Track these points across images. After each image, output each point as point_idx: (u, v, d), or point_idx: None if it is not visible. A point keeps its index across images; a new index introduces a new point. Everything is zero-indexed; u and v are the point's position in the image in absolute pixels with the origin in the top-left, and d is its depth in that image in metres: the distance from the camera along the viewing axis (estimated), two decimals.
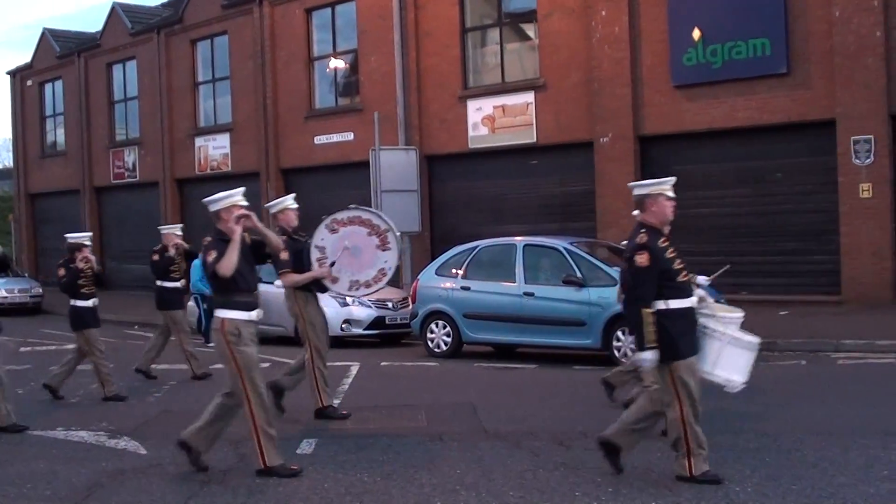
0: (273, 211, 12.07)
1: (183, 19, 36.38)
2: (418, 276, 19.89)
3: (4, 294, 32.45)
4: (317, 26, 32.09)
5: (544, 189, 26.39)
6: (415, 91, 28.42)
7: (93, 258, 14.36)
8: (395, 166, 25.79)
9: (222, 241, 8.85)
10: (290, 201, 11.99)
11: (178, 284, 16.56)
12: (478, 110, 27.46)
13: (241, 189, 9.21)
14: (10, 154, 53.83)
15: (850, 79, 21.53)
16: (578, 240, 18.86)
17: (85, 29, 45.91)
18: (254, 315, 8.96)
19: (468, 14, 28.11)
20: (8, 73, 46.80)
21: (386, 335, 20.99)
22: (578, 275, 16.91)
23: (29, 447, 10.82)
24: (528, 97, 26.49)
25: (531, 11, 26.86)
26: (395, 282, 25.34)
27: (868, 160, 21.44)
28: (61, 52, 42.90)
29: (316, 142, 31.37)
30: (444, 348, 18.35)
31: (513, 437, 10.55)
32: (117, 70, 40.53)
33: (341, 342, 19.66)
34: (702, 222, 23.65)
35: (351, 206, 12.25)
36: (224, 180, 34.11)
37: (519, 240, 18.46)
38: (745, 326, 9.19)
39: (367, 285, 11.90)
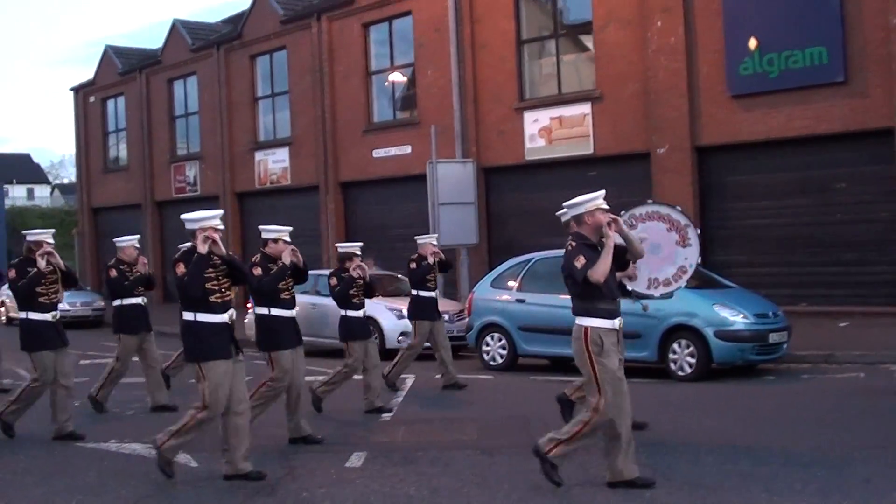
0: (565, 219, 11.78)
1: (242, 35, 36.83)
2: (474, 289, 20.01)
3: (67, 307, 32.89)
4: (374, 41, 32.39)
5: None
6: (471, 103, 28.58)
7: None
8: (452, 179, 25.97)
9: (587, 246, 8.68)
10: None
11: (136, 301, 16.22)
12: (534, 122, 27.58)
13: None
14: (75, 169, 54.71)
15: None
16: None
17: (146, 46, 46.66)
18: (616, 323, 8.69)
19: (524, 26, 28.25)
20: (71, 89, 47.55)
21: None
22: None
23: (80, 459, 10.91)
24: (585, 108, 26.56)
25: (587, 23, 26.95)
26: (451, 294, 25.63)
27: None
28: (123, 68, 43.58)
29: (374, 155, 31.63)
30: (500, 361, 18.46)
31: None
32: (178, 86, 41.12)
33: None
34: (759, 233, 23.60)
35: (649, 200, 12.02)
36: (284, 194, 34.62)
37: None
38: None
39: (667, 283, 11.66)
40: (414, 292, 16.29)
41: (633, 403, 8.84)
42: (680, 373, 16.37)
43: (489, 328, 18.76)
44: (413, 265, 16.33)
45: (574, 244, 8.66)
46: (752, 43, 23.28)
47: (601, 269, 8.43)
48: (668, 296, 12.27)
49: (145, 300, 14.68)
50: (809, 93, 22.65)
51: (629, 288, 11.37)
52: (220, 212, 9.66)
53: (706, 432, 11.56)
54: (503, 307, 18.53)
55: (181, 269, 9.23)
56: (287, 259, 11.02)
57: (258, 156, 36.37)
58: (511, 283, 18.60)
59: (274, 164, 35.68)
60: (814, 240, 22.94)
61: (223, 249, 9.37)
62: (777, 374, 16.68)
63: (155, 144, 41.89)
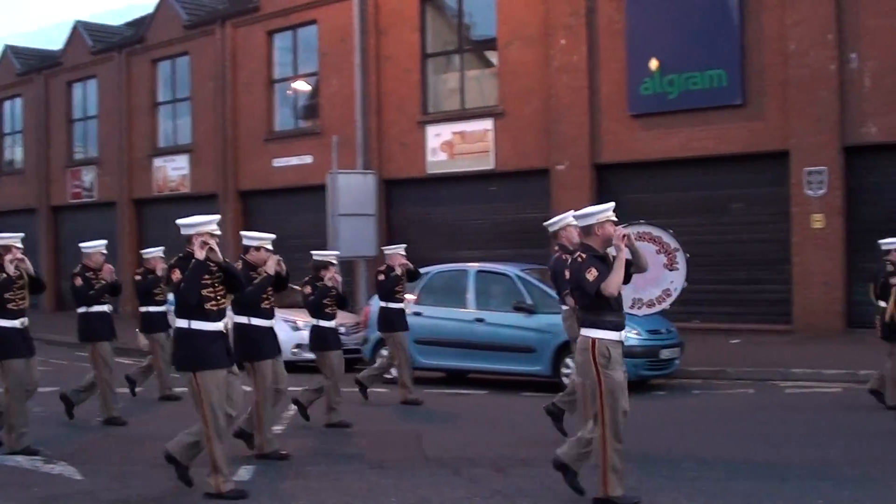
0: (553, 230, 11.65)
1: (145, 39, 36.19)
2: (371, 301, 19.79)
3: None
4: (278, 49, 32.03)
5: (501, 215, 26.39)
6: (374, 115, 28.37)
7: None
8: (353, 190, 25.68)
9: (597, 258, 8.47)
10: (570, 219, 11.33)
11: (162, 308, 16.27)
12: (437, 136, 27.49)
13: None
14: None
15: (803, 111, 21.75)
16: (530, 266, 18.75)
17: (47, 47, 45.45)
18: (622, 335, 8.60)
19: (429, 39, 28.18)
20: None
21: None
22: (529, 301, 16.96)
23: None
24: (487, 124, 26.55)
25: (492, 39, 26.96)
26: (350, 306, 25.34)
27: (821, 191, 21.63)
28: (22, 69, 42.47)
29: (275, 164, 31.25)
30: (395, 374, 18.22)
31: (453, 464, 10.48)
32: (77, 88, 40.23)
33: (293, 367, 19.43)
34: None
35: (641, 220, 11.85)
36: (182, 201, 33.98)
37: (471, 266, 18.45)
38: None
39: (650, 304, 11.53)
40: (383, 304, 15.91)
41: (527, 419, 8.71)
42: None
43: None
44: (381, 277, 15.95)
45: (584, 256, 8.52)
46: (653, 64, 23.51)
47: (614, 283, 8.33)
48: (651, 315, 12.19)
49: (111, 308, 14.31)
50: (708, 114, 22.94)
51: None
52: (217, 217, 9.37)
53: None
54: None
55: (177, 275, 8.95)
56: (272, 269, 10.69)
57: (157, 162, 35.72)
58: (409, 296, 18.40)
59: (173, 171, 35.07)
60: (708, 258, 22.94)
61: (220, 256, 9.12)
62: (669, 390, 16.73)
63: (52, 148, 40.89)
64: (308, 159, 30.13)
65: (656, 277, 11.34)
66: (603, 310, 8.44)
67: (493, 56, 27.38)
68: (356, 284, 26.09)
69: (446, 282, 18.37)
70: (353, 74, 28.40)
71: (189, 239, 9.04)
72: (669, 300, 11.53)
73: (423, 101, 28.02)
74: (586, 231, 8.68)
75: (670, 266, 11.37)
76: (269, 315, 11.14)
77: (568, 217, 11.42)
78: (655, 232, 11.59)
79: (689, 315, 22.07)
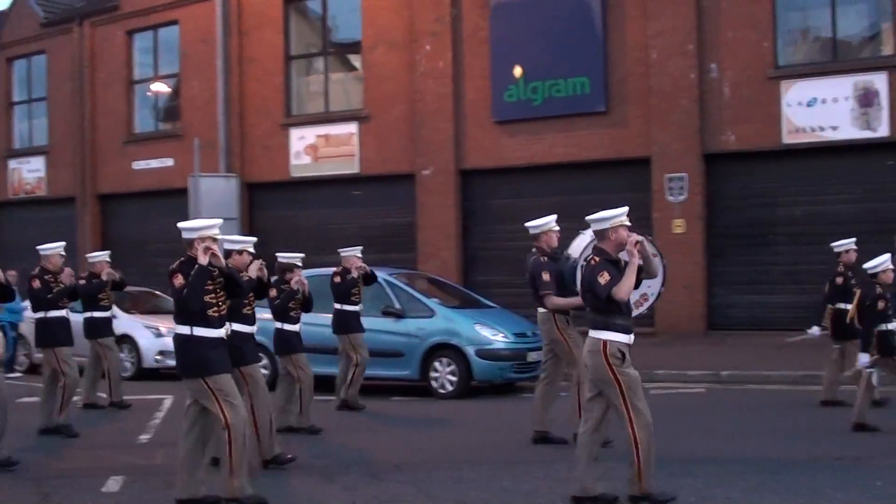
0: (535, 232, 11.61)
1: None
2: None
3: None
4: (138, 49, 30.97)
5: (366, 220, 26.01)
6: (237, 117, 27.69)
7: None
8: (215, 193, 25.00)
9: (610, 262, 8.45)
10: (553, 223, 11.59)
11: (107, 314, 15.54)
12: (301, 139, 26.95)
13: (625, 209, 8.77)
14: None
15: (665, 119, 22.01)
16: (398, 271, 18.58)
17: None
18: (632, 338, 8.55)
19: (293, 41, 27.60)
20: None
21: None
22: (397, 306, 16.76)
23: None
24: (352, 128, 26.14)
25: (356, 42, 26.56)
26: None
27: (681, 197, 21.90)
28: None
29: (135, 167, 30.20)
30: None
31: (326, 471, 10.28)
32: None
33: (156, 374, 18.96)
34: (520, 255, 22.96)
35: None
36: (39, 205, 32.80)
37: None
38: None
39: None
40: (338, 306, 15.40)
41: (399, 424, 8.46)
42: (441, 391, 16.21)
43: None
44: (337, 279, 15.43)
45: (598, 259, 8.48)
46: (518, 71, 23.44)
47: (626, 287, 8.33)
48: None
49: (69, 312, 13.67)
50: (571, 121, 23.01)
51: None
52: (219, 221, 9.06)
53: (469, 450, 11.43)
54: (262, 326, 17.80)
55: (179, 280, 8.55)
56: (254, 273, 10.13)
57: (12, 164, 34.22)
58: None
59: (29, 173, 33.66)
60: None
61: (223, 261, 8.81)
62: (534, 392, 16.64)
63: None
64: (169, 162, 29.25)
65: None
66: (613, 313, 8.43)
67: (357, 60, 27.00)
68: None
69: (313, 287, 17.78)
70: (216, 76, 27.70)
71: (190, 243, 8.71)
72: (647, 304, 11.45)
73: (287, 103, 27.42)
74: (600, 235, 8.67)
75: None
76: (251, 321, 10.65)
77: (551, 222, 11.58)
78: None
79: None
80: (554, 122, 23.21)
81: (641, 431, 8.36)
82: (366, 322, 16.54)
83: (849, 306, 13.00)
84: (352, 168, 26.12)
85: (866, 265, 12.40)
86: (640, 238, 8.54)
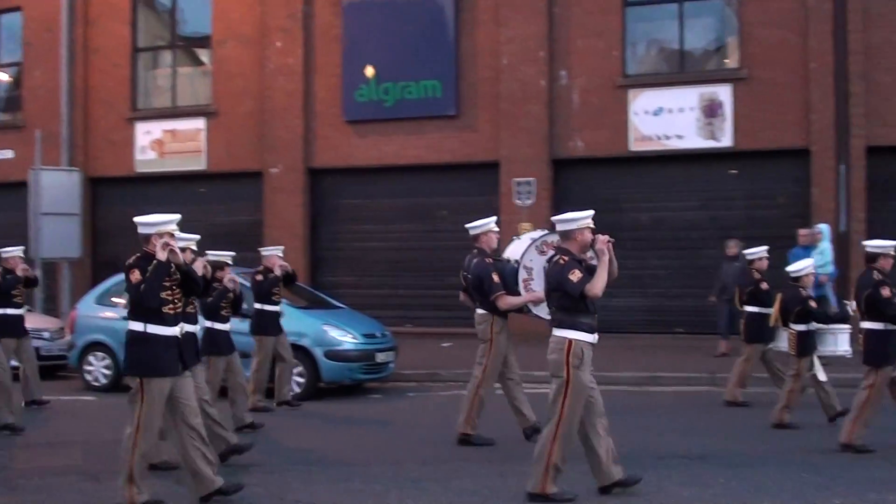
0: (475, 232, 11.65)
1: None
2: (76, 306, 18.52)
3: None
4: None
5: (213, 218, 25.05)
6: (81, 110, 26.51)
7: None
8: (56, 188, 23.87)
9: (577, 261, 8.69)
10: (492, 224, 11.71)
11: (20, 311, 14.57)
12: (147, 133, 25.96)
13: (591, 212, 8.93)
14: None
15: (514, 124, 21.97)
16: (244, 270, 18.09)
17: None
18: (596, 338, 8.73)
19: (141, 33, 26.56)
20: None
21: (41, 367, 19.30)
22: (244, 306, 16.13)
23: None
24: (200, 123, 25.31)
25: (206, 37, 25.70)
26: (52, 310, 23.76)
27: (529, 201, 21.89)
28: None
29: None
30: (104, 382, 17.10)
31: (174, 473, 9.78)
32: None
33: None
34: (369, 255, 23.43)
35: None
36: None
37: None
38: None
39: None
40: (258, 306, 14.89)
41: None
42: (290, 392, 15.75)
43: (93, 347, 17.28)
44: (259, 277, 15.03)
45: (566, 259, 8.67)
46: (370, 71, 23.06)
47: (599, 285, 8.49)
48: None
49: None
50: (422, 123, 22.78)
51: (533, 311, 11.24)
52: (177, 216, 8.81)
53: (319, 451, 11.40)
54: (108, 325, 17.14)
55: (136, 275, 8.36)
56: (199, 271, 9.54)
57: None
58: (116, 301, 17.28)
59: None
60: (420, 264, 23.02)
61: (181, 258, 8.55)
62: (384, 393, 16.76)
63: None
64: (9, 154, 27.81)
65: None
66: (580, 312, 8.61)
67: (205, 54, 26.19)
68: (59, 288, 24.54)
69: None
70: (59, 66, 26.57)
71: (147, 238, 8.56)
72: None
73: (133, 96, 26.35)
74: (565, 235, 8.87)
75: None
76: (195, 320, 10.20)
77: (490, 222, 11.73)
78: None
79: (403, 319, 22.08)
80: (405, 124, 22.93)
81: (564, 432, 8.59)
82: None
83: (766, 311, 13.61)
84: (198, 164, 25.27)
85: (789, 269, 12.75)
86: (610, 238, 8.68)
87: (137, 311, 8.50)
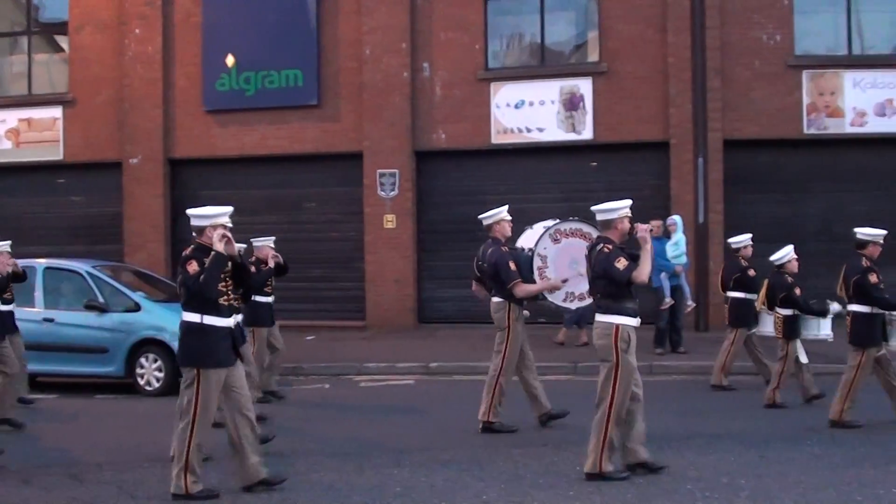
0: (488, 222, 11.55)
1: None
2: None
3: None
4: None
5: (71, 209, 23.93)
6: None
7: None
8: None
9: (621, 249, 8.91)
10: (505, 213, 11.59)
11: (10, 307, 13.34)
12: (1, 122, 24.58)
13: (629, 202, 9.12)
14: None
15: (377, 115, 21.44)
16: (102, 263, 17.44)
17: None
18: (639, 322, 8.94)
19: None
20: None
21: None
22: (101, 300, 15.70)
23: None
24: (56, 112, 23.93)
25: (63, 23, 24.35)
26: None
27: (392, 193, 21.44)
28: None
29: None
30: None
31: (24, 472, 9.73)
32: None
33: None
34: None
35: (573, 217, 11.80)
36: None
37: (39, 262, 16.58)
38: None
39: (581, 298, 11.38)
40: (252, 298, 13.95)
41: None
42: (148, 387, 15.33)
43: None
44: (251, 269, 13.94)
45: (610, 247, 8.88)
46: (230, 60, 22.17)
47: (645, 272, 8.74)
48: (583, 308, 12.08)
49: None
50: (284, 113, 22.06)
51: (549, 299, 11.27)
52: (230, 208, 8.75)
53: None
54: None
55: (194, 267, 8.28)
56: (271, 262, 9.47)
57: None
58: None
59: None
60: (283, 255, 22.13)
61: (235, 249, 8.46)
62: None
63: None
64: None
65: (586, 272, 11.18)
66: (625, 298, 8.84)
67: (63, 41, 24.89)
68: None
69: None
70: None
71: (201, 230, 8.50)
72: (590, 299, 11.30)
73: None
74: (605, 224, 9.07)
75: None
76: (238, 311, 9.62)
77: (503, 211, 11.61)
78: (586, 229, 11.47)
79: None
80: (266, 114, 22.11)
81: (617, 414, 8.77)
82: (67, 316, 15.91)
83: (750, 296, 13.99)
84: (55, 154, 23.88)
85: (773, 257, 13.00)
86: (651, 226, 9.06)
87: (193, 302, 8.39)
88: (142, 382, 15.37)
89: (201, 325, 8.37)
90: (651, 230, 8.98)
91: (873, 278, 11.09)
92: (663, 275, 17.08)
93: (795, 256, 12.99)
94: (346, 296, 22.04)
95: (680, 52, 20.51)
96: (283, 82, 21.97)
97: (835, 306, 12.63)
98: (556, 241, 11.28)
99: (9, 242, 13.74)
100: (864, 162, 20.77)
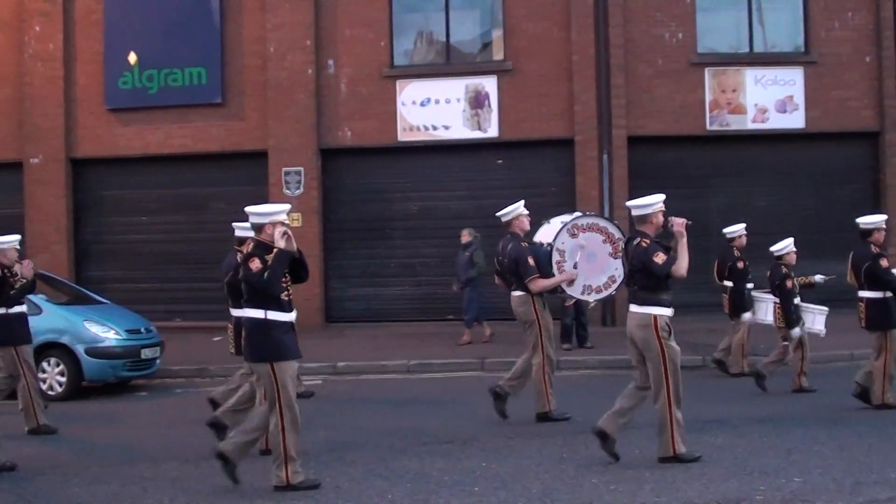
0: (507, 219, 11.64)
1: None
2: None
3: None
4: None
5: None
6: None
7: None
8: None
9: (658, 244, 9.05)
10: (522, 208, 11.70)
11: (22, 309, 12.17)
12: None
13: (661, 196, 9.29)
14: None
15: (282, 113, 20.97)
16: None
17: None
18: (672, 311, 9.10)
19: None
20: None
21: None
22: None
23: None
24: None
25: None
26: None
27: (298, 191, 21.01)
28: None
29: None
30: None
31: None
32: None
33: None
34: (136, 248, 21.80)
35: (589, 212, 12.24)
36: None
37: None
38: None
39: (598, 290, 11.55)
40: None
41: None
42: (50, 392, 14.66)
43: None
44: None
45: (648, 241, 9.03)
46: (133, 58, 21.45)
47: (684, 265, 8.95)
48: (599, 301, 12.16)
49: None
50: (188, 111, 21.46)
51: (567, 292, 11.40)
52: (288, 206, 8.86)
53: (81, 453, 10.77)
54: None
55: (257, 264, 8.32)
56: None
57: None
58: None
59: None
60: (188, 256, 21.63)
61: (294, 245, 8.48)
62: (150, 390, 15.88)
63: None
64: None
65: (603, 265, 11.55)
66: (662, 290, 9.03)
67: None
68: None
69: None
70: None
71: (260, 228, 8.53)
72: (615, 286, 11.60)
73: None
74: (641, 219, 9.21)
75: (615, 255, 11.52)
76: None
77: (520, 206, 11.71)
78: (602, 223, 11.68)
79: (172, 314, 20.89)
80: (170, 112, 21.43)
81: (675, 398, 8.90)
82: None
83: (746, 286, 14.30)
84: None
85: (773, 248, 13.27)
86: (686, 221, 9.09)
87: (256, 298, 8.42)
88: (44, 387, 14.66)
89: (266, 321, 8.41)
90: (687, 224, 9.10)
91: (884, 263, 11.51)
92: None
93: (794, 249, 13.23)
94: None
95: (584, 49, 20.43)
96: (186, 80, 21.35)
97: (818, 277, 13.54)
98: (573, 235, 11.44)
99: (18, 238, 12.75)
100: (766, 157, 20.92)
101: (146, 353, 15.64)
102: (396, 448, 10.14)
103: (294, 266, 8.62)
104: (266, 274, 8.28)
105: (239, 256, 9.46)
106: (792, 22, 21.27)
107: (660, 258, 8.89)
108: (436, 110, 20.83)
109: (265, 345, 8.47)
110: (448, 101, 20.80)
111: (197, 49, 21.32)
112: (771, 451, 9.48)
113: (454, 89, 20.82)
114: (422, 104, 20.85)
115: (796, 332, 12.89)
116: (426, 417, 11.61)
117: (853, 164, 21.08)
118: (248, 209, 8.75)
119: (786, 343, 13.12)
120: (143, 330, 15.96)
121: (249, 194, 21.11)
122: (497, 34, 21.35)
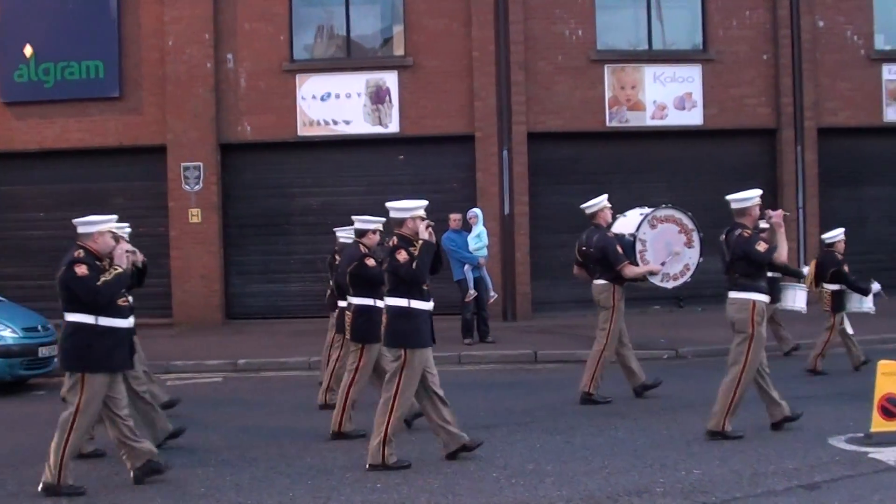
0: (591, 211, 11.97)
1: None
2: None
3: None
4: None
5: None
6: None
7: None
8: None
9: (759, 234, 9.63)
10: (606, 201, 12.04)
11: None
12: None
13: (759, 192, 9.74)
14: None
15: (181, 107, 20.29)
16: None
17: None
18: (769, 298, 9.72)
19: None
20: None
21: None
22: None
23: None
24: None
25: None
26: None
27: (197, 187, 20.39)
28: None
29: None
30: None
31: None
32: None
33: None
34: (32, 245, 20.83)
35: (666, 204, 12.56)
36: None
37: None
38: None
39: (675, 278, 12.28)
40: None
41: None
42: None
43: None
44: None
45: (749, 232, 9.51)
46: (28, 50, 20.55)
47: (785, 253, 9.59)
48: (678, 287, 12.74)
49: None
50: (85, 105, 20.66)
51: (650, 280, 12.04)
52: (425, 202, 9.09)
53: None
54: None
55: (403, 255, 8.67)
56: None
57: None
58: None
59: None
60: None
61: (434, 237, 8.85)
62: (48, 389, 15.13)
63: None
64: None
65: (679, 254, 12.24)
66: (761, 277, 9.55)
67: None
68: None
69: None
70: None
71: (401, 222, 8.88)
72: (689, 273, 12.35)
73: None
74: (740, 212, 9.65)
75: (689, 244, 12.26)
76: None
77: (604, 199, 12.06)
78: (678, 214, 12.35)
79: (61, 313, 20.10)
80: (66, 106, 20.59)
81: (747, 377, 9.39)
82: None
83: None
84: None
85: (824, 236, 14.05)
86: (784, 212, 9.84)
87: (401, 288, 8.75)
88: None
89: (410, 309, 8.71)
90: (785, 214, 9.69)
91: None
92: (466, 267, 16.64)
93: (844, 238, 13.75)
94: (152, 292, 20.36)
95: (484, 46, 20.10)
96: (83, 73, 20.54)
97: (875, 285, 13.76)
98: (653, 226, 12.16)
99: (121, 222, 10.03)
100: (665, 154, 20.79)
101: (43, 352, 14.94)
102: (297, 445, 9.95)
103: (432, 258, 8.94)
104: (415, 264, 8.62)
105: (362, 248, 10.03)
106: (690, 20, 21.12)
107: (762, 247, 9.38)
108: (336, 105, 20.31)
109: (405, 331, 8.72)
110: (349, 96, 20.30)
111: (94, 42, 20.52)
112: (671, 443, 9.49)
113: (355, 84, 20.33)
114: (322, 99, 20.31)
115: (869, 303, 13.61)
116: (328, 415, 11.14)
117: (750, 161, 20.98)
118: (389, 205, 9.02)
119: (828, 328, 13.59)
120: (40, 328, 15.32)
121: (148, 190, 20.78)
122: (398, 29, 20.88)
